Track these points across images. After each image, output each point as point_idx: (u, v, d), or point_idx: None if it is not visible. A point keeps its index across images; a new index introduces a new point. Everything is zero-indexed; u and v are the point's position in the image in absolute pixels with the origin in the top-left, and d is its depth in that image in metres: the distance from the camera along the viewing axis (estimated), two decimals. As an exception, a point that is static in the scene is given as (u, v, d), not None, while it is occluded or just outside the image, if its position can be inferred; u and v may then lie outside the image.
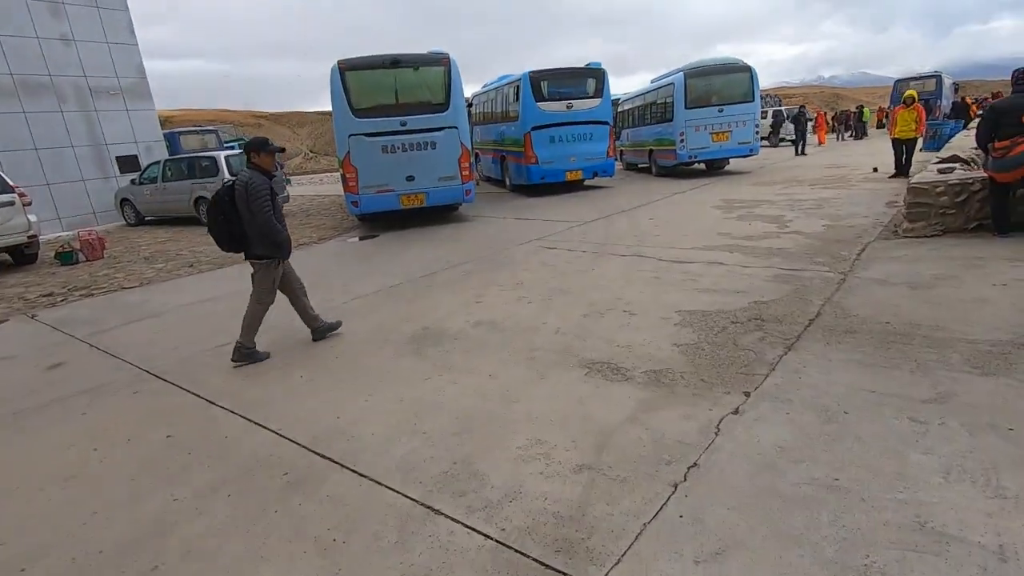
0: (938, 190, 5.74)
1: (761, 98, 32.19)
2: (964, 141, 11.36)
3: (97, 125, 15.63)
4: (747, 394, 3.02)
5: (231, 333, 4.37)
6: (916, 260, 5.08)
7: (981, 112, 5.26)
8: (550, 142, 13.09)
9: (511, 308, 4.95)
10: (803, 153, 19.43)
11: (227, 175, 12.08)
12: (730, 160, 15.42)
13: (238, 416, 3.41)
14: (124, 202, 14.88)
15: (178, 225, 13.66)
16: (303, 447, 2.97)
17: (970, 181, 5.62)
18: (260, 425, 3.26)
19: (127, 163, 16.18)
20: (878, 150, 18.30)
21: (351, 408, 3.37)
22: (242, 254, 4.23)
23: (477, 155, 18.21)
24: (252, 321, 4.20)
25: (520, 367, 3.70)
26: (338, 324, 4.69)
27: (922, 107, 11.19)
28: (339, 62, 9.35)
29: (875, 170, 12.10)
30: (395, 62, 9.50)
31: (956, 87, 31.63)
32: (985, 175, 5.49)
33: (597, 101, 13.27)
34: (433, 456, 2.75)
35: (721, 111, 13.66)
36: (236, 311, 4.48)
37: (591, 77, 13.31)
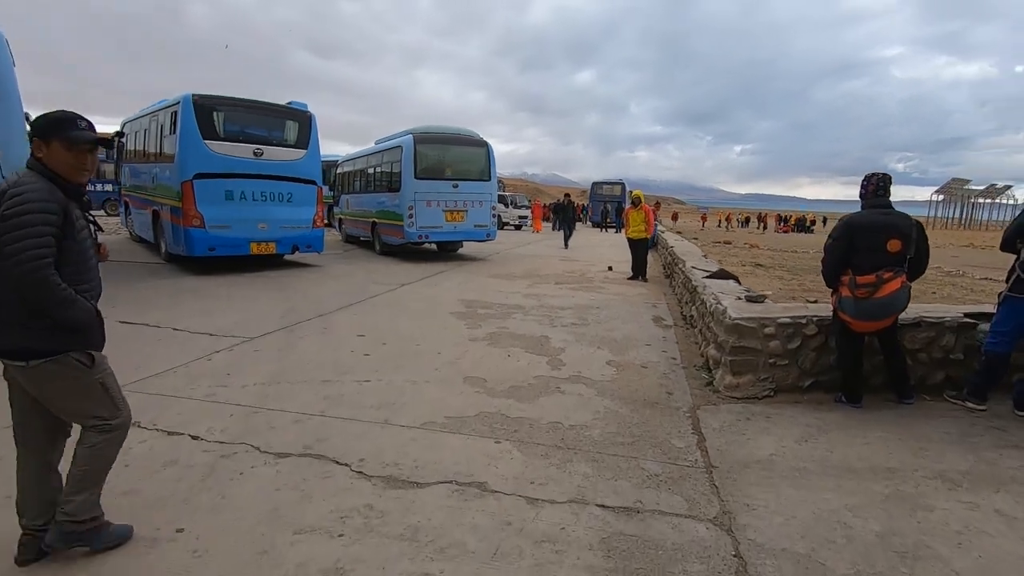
0: (767, 330, 3.98)
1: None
2: (685, 245, 11.93)
3: None
4: None
5: None
6: (795, 467, 2.96)
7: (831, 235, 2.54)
8: (226, 199, 8.99)
9: None
10: (566, 247, 17.02)
11: None
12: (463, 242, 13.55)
13: None
14: None
15: None
16: None
17: (803, 321, 3.99)
18: None
19: None
20: (586, 243, 19.41)
21: None
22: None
23: (127, 204, 12.60)
24: (95, 471, 2.09)
25: None
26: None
27: (649, 208, 10.97)
28: None
29: (610, 268, 11.49)
30: None
31: (631, 194, 38.44)
32: (826, 316, 3.92)
33: (301, 153, 9.80)
34: None
35: (456, 187, 11.66)
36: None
37: (292, 119, 9.84)
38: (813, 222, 46.74)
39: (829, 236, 3.75)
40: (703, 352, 5.05)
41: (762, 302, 4.59)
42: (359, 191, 14.41)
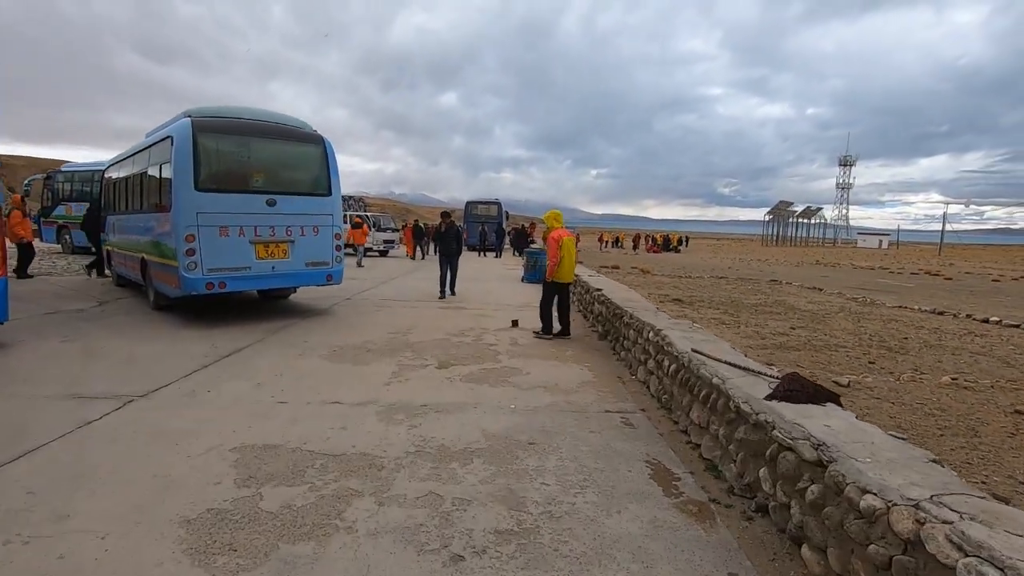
0: None
1: (351, 199, 28.12)
2: (614, 287, 8.70)
3: None
4: None
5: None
6: None
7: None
8: None
9: None
10: (445, 295, 11.88)
11: None
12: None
13: None
14: None
15: None
16: None
17: None
18: None
19: None
20: (469, 274, 15.77)
21: None
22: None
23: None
24: None
25: None
26: None
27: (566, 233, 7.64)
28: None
29: (515, 323, 7.95)
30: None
31: (507, 214, 35.83)
32: None
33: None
34: None
35: (272, 204, 7.35)
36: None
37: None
38: (679, 241, 48.24)
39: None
40: None
41: None
42: (125, 210, 9.34)
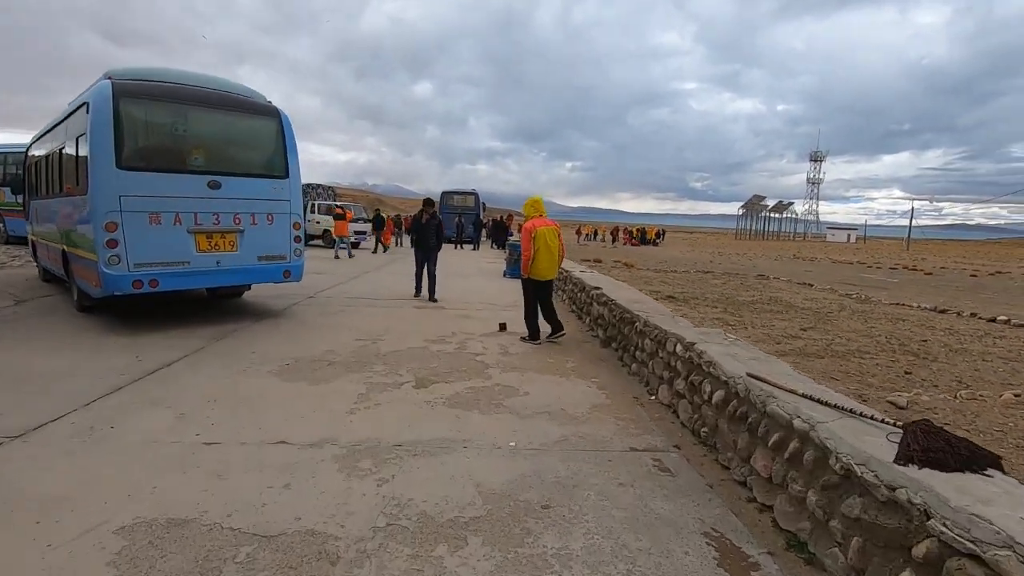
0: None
1: (318, 188, 26.43)
2: (618, 288, 7.64)
3: None
4: None
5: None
6: None
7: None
8: None
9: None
10: (423, 295, 10.89)
11: None
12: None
13: None
14: None
15: None
16: None
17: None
18: None
19: None
20: (448, 268, 14.63)
21: None
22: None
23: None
24: None
25: None
26: None
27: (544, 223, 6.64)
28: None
29: (503, 327, 6.99)
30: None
31: (484, 205, 34.68)
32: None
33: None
34: None
35: (216, 187, 6.18)
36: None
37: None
38: (657, 235, 47.83)
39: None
40: None
41: None
42: (45, 194, 8.00)
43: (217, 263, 6.25)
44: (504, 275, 13.40)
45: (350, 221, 23.34)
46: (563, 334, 6.39)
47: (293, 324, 6.73)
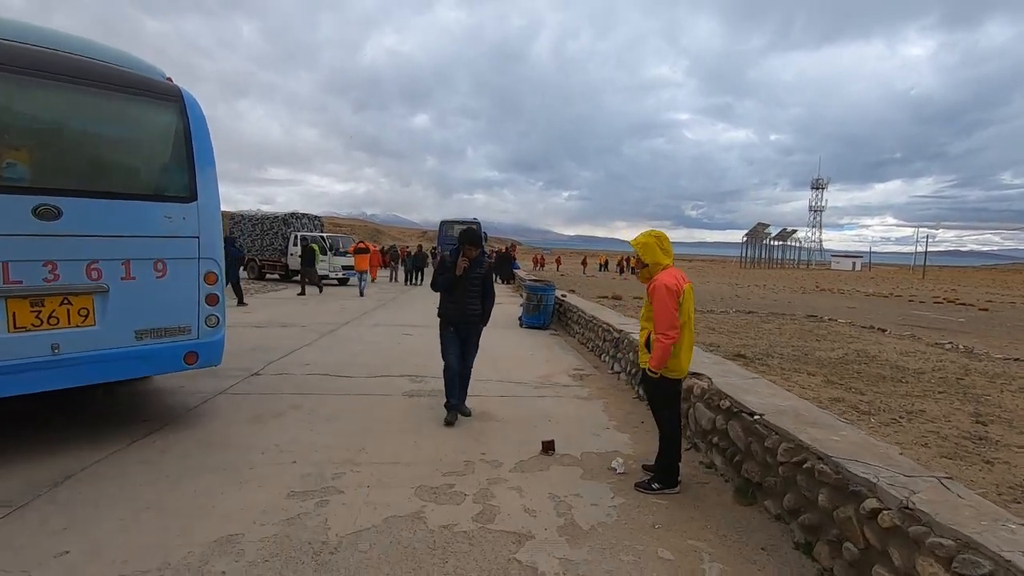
0: None
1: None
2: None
3: None
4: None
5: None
6: None
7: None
8: None
9: None
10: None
11: None
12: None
13: None
14: None
15: None
16: None
17: None
18: None
19: None
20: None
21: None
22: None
23: None
24: None
25: None
26: None
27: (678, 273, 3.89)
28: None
29: (548, 449, 4.17)
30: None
31: (486, 236, 32.23)
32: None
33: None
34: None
35: (52, 215, 3.51)
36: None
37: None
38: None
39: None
40: None
41: None
42: None
43: (53, 348, 3.54)
44: (520, 323, 10.69)
45: (338, 255, 20.79)
46: (676, 489, 3.57)
47: (190, 449, 3.91)
